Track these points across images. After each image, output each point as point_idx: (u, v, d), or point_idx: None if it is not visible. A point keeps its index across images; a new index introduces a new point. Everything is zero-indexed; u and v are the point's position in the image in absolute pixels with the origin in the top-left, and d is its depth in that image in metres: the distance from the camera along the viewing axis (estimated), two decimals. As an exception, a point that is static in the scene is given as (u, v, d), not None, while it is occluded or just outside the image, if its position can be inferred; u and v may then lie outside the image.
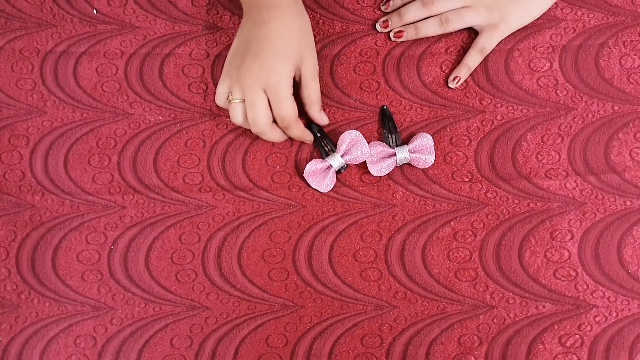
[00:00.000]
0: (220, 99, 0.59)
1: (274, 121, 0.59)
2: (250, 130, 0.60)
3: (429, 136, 0.60)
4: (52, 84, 0.63)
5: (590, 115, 0.63)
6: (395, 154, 0.60)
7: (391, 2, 0.65)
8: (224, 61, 0.60)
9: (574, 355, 0.59)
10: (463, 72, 0.63)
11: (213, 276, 0.60)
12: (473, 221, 0.61)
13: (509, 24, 0.63)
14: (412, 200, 0.61)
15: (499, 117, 0.63)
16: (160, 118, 0.63)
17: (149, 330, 0.59)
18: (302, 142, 0.62)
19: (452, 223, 0.61)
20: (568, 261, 0.60)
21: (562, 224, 0.61)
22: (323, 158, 0.61)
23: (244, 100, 0.58)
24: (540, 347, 0.59)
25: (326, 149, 0.61)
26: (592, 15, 0.64)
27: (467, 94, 0.63)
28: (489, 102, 0.63)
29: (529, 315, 0.59)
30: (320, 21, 0.65)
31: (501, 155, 0.62)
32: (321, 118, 0.61)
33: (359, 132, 0.60)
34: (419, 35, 0.64)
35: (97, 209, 0.61)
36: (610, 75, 0.63)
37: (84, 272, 0.60)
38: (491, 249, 0.60)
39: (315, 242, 0.61)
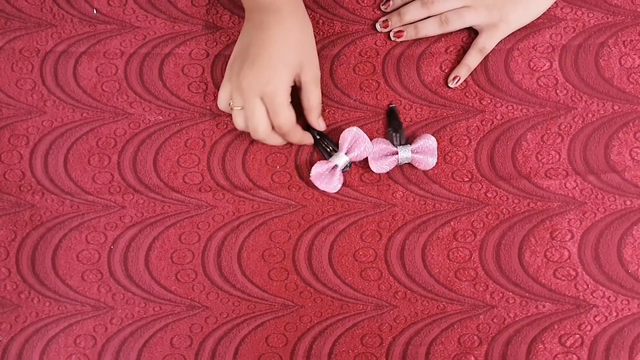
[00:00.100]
0: (222, 104, 0.59)
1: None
2: (250, 130, 0.60)
3: (433, 138, 0.60)
4: (52, 84, 0.63)
5: (590, 115, 0.63)
6: (397, 153, 0.60)
7: (391, 2, 0.65)
8: (224, 61, 0.60)
9: (574, 355, 0.59)
10: (463, 71, 0.63)
11: (213, 276, 0.60)
12: (473, 221, 0.61)
13: (509, 24, 0.63)
14: (412, 200, 0.61)
15: (498, 117, 0.63)
16: (160, 118, 0.63)
17: (149, 329, 0.59)
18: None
19: (452, 223, 0.61)
20: (568, 261, 0.60)
21: (562, 224, 0.60)
22: (326, 159, 0.61)
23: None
24: (540, 346, 0.59)
25: (328, 149, 0.61)
26: (592, 15, 0.64)
27: (467, 94, 0.63)
28: (489, 101, 0.63)
29: (529, 314, 0.59)
30: (320, 21, 0.65)
31: (501, 154, 0.62)
32: (319, 124, 0.61)
33: (359, 129, 0.60)
34: (419, 35, 0.64)
35: (97, 209, 0.61)
36: (610, 75, 0.63)
37: (84, 272, 0.60)
38: (491, 248, 0.60)
39: (315, 241, 0.61)
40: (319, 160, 0.61)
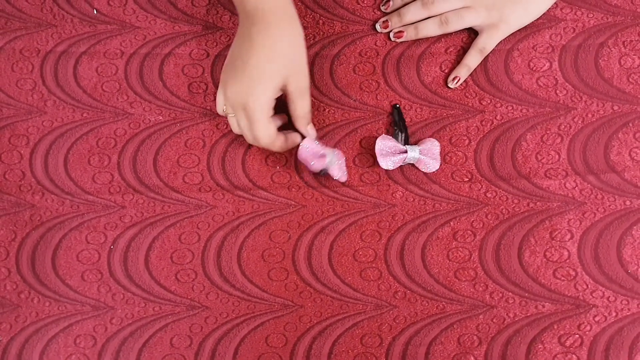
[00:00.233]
0: (218, 109, 0.60)
1: None
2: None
3: (437, 143, 0.60)
4: (52, 84, 0.63)
5: (589, 115, 0.63)
6: (406, 152, 0.60)
7: (391, 3, 0.65)
8: (224, 61, 0.60)
9: (573, 355, 0.59)
10: (463, 72, 0.63)
11: (213, 276, 0.60)
12: (473, 221, 0.61)
13: (509, 24, 0.63)
14: (412, 200, 0.61)
15: (498, 117, 0.63)
16: (160, 118, 0.63)
17: (148, 329, 0.59)
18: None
19: (451, 223, 0.61)
20: (568, 261, 0.60)
21: (561, 224, 0.61)
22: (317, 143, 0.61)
23: None
24: (539, 346, 0.59)
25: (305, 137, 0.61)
26: (591, 15, 0.64)
27: (467, 94, 0.63)
28: (489, 102, 0.63)
29: (528, 315, 0.59)
30: (320, 21, 0.65)
31: (501, 155, 0.62)
32: (307, 132, 0.60)
33: (343, 161, 0.60)
34: (419, 36, 0.64)
35: (97, 209, 0.61)
36: (610, 75, 0.63)
37: (84, 272, 0.60)
38: (491, 248, 0.60)
39: (315, 241, 0.61)
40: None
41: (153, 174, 0.62)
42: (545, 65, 0.64)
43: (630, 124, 0.62)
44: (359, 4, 0.65)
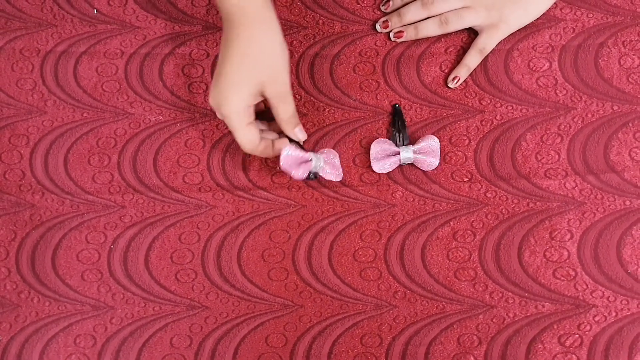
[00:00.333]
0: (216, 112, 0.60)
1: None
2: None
3: (435, 139, 0.60)
4: (53, 84, 0.63)
5: (589, 115, 0.63)
6: (399, 153, 0.60)
7: (391, 3, 0.65)
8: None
9: (573, 355, 0.59)
10: (463, 72, 0.63)
11: (213, 276, 0.60)
12: (472, 221, 0.61)
13: (509, 24, 0.63)
14: (412, 200, 0.61)
15: (498, 117, 0.63)
16: (160, 118, 0.63)
17: (148, 329, 0.59)
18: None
19: (451, 223, 0.61)
20: (567, 261, 0.60)
21: (561, 224, 0.61)
22: (300, 148, 0.60)
23: None
24: (539, 346, 0.59)
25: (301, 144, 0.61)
26: (591, 15, 0.65)
27: (467, 94, 0.63)
28: (489, 102, 0.63)
29: (528, 314, 0.59)
30: (320, 21, 0.65)
31: (501, 155, 0.62)
32: (296, 135, 0.59)
33: (337, 154, 0.60)
34: (419, 36, 0.64)
35: (97, 209, 0.61)
36: (610, 75, 0.63)
37: (84, 272, 0.60)
38: (490, 248, 0.61)
39: (314, 241, 0.61)
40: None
41: (153, 174, 0.62)
42: (545, 65, 0.64)
43: (630, 124, 0.62)
44: (358, 4, 0.65)
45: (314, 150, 0.62)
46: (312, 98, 0.63)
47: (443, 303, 0.60)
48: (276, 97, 0.56)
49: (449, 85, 0.63)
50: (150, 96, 0.63)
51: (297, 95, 0.63)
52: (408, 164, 0.61)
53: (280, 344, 0.59)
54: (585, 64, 0.64)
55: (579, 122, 0.63)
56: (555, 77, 0.63)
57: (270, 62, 0.55)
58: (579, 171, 0.61)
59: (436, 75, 0.64)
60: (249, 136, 0.56)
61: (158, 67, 0.64)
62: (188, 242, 0.61)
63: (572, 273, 0.60)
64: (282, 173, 0.62)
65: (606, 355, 0.58)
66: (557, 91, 0.63)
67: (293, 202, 0.61)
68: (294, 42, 0.64)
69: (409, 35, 0.64)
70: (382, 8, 0.65)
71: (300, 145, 0.60)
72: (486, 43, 0.63)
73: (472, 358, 0.59)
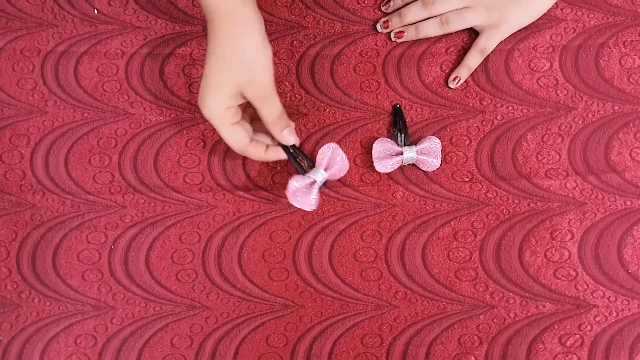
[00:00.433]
0: None
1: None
2: (250, 130, 0.60)
3: (437, 140, 0.60)
4: (53, 84, 0.63)
5: (590, 115, 0.63)
6: (402, 153, 0.60)
7: (391, 3, 0.65)
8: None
9: (574, 355, 0.59)
10: (463, 72, 0.63)
11: (213, 276, 0.60)
12: (473, 221, 0.61)
13: (509, 25, 0.63)
14: (413, 200, 0.61)
15: (499, 117, 0.63)
16: (161, 118, 0.63)
17: (149, 329, 0.59)
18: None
19: (452, 223, 0.61)
20: (568, 261, 0.60)
21: (562, 224, 0.61)
22: (301, 175, 0.57)
23: None
24: (540, 346, 0.59)
25: (302, 165, 0.58)
26: (592, 16, 0.65)
27: (468, 94, 0.63)
28: (489, 102, 0.63)
29: (529, 315, 0.59)
30: (321, 21, 0.65)
31: (501, 155, 0.62)
32: (284, 139, 0.57)
33: (338, 146, 0.58)
34: (420, 36, 0.64)
35: (97, 209, 0.61)
36: (611, 75, 0.63)
37: (85, 272, 0.60)
38: (491, 248, 0.61)
39: (315, 241, 0.61)
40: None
41: (154, 174, 0.62)
42: (545, 65, 0.64)
43: (631, 124, 0.62)
44: (359, 4, 0.65)
45: (313, 151, 0.62)
46: (312, 98, 0.63)
47: (444, 303, 0.60)
48: (257, 99, 0.54)
49: (450, 85, 0.63)
50: (150, 96, 0.63)
51: (297, 95, 0.63)
52: (409, 164, 0.61)
53: (281, 344, 0.59)
54: (586, 64, 0.64)
55: (580, 122, 0.63)
56: (556, 77, 0.63)
57: (247, 64, 0.53)
58: (580, 171, 0.61)
59: (437, 75, 0.64)
60: (235, 137, 0.56)
61: (159, 67, 0.64)
62: (189, 242, 0.61)
63: (573, 273, 0.60)
64: (283, 173, 0.62)
65: (607, 356, 0.58)
66: (558, 91, 0.63)
67: (294, 202, 0.62)
68: (295, 42, 0.64)
69: (410, 35, 0.64)
70: (383, 8, 0.65)
71: (297, 161, 0.58)
72: (487, 43, 0.63)
73: (472, 358, 0.59)
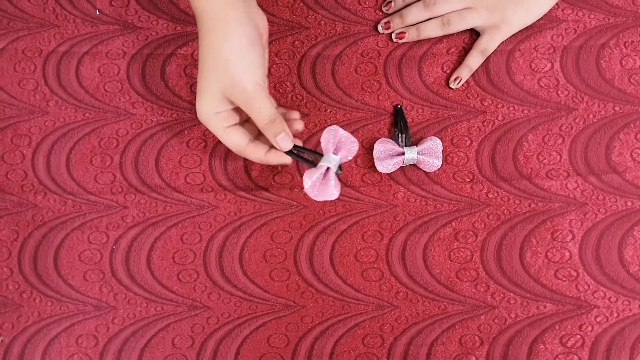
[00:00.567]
0: None
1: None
2: (251, 130, 0.60)
3: (438, 141, 0.60)
4: (55, 84, 0.63)
5: (591, 116, 0.63)
6: (403, 153, 0.60)
7: (393, 4, 0.65)
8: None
9: (575, 356, 0.59)
10: (464, 72, 0.63)
11: (214, 276, 0.60)
12: (474, 221, 0.61)
13: (510, 25, 0.63)
14: (414, 200, 0.61)
15: (500, 118, 0.63)
16: (162, 118, 0.63)
17: (150, 329, 0.60)
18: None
19: (453, 223, 0.61)
20: (569, 261, 0.60)
21: (563, 225, 0.61)
22: (312, 168, 0.55)
23: None
24: (541, 347, 0.59)
25: (310, 159, 0.56)
26: (593, 16, 0.65)
27: (469, 95, 0.63)
28: (490, 102, 0.63)
29: (530, 315, 0.59)
30: (322, 22, 0.65)
31: (502, 155, 0.62)
32: (278, 144, 0.54)
33: (337, 126, 0.54)
34: (421, 37, 0.64)
35: (99, 209, 0.61)
36: (611, 76, 0.63)
37: (86, 272, 0.60)
38: (492, 249, 0.61)
39: (316, 242, 0.61)
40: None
41: (155, 174, 0.62)
42: (546, 66, 0.64)
43: (632, 125, 0.62)
44: (360, 4, 0.66)
45: (316, 150, 0.62)
46: (313, 98, 0.63)
47: (445, 303, 0.60)
48: (242, 104, 0.53)
49: (451, 86, 0.63)
50: (152, 96, 0.63)
51: (298, 96, 0.63)
52: (410, 164, 0.61)
53: (282, 345, 0.60)
54: (586, 65, 0.64)
55: (581, 123, 0.63)
56: (557, 77, 0.64)
57: (228, 70, 0.52)
58: (581, 172, 0.62)
59: (438, 76, 0.64)
60: (230, 139, 0.55)
61: (160, 68, 0.64)
62: (190, 243, 0.61)
63: (574, 274, 0.60)
64: (284, 173, 0.62)
65: (608, 356, 0.58)
66: (559, 92, 0.63)
67: (295, 203, 0.62)
68: (296, 42, 0.64)
69: (411, 36, 0.64)
70: (384, 9, 0.65)
71: (304, 158, 0.56)
72: (488, 44, 0.63)
73: (473, 358, 0.59)
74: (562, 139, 0.62)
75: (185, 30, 0.65)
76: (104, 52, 0.64)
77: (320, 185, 0.54)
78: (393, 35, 0.64)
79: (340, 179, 0.57)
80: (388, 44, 0.65)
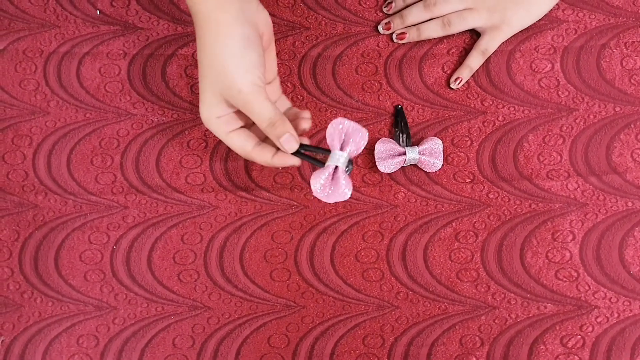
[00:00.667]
0: None
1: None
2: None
3: (439, 141, 0.60)
4: (56, 85, 0.63)
5: (591, 117, 0.63)
6: (405, 153, 0.60)
7: (393, 4, 0.65)
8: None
9: (575, 356, 0.59)
10: (465, 73, 0.63)
11: (215, 276, 0.60)
12: (475, 222, 0.61)
13: (511, 26, 0.63)
14: (414, 200, 0.61)
15: (500, 118, 0.63)
16: (163, 119, 0.63)
17: (151, 330, 0.60)
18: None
19: (453, 224, 0.61)
20: (569, 262, 0.60)
21: (563, 225, 0.61)
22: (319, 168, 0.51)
23: None
24: (541, 347, 0.59)
25: (319, 158, 0.52)
26: (593, 17, 0.65)
27: (469, 95, 0.63)
28: (491, 103, 0.63)
29: (530, 315, 0.59)
30: (323, 22, 0.65)
31: (503, 156, 0.62)
32: (283, 146, 0.51)
33: (342, 118, 0.50)
34: (422, 37, 0.64)
35: (99, 209, 0.61)
36: (612, 77, 0.63)
37: (87, 272, 0.60)
38: (493, 249, 0.61)
39: (317, 242, 0.61)
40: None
41: (155, 175, 0.62)
42: (547, 66, 0.64)
43: (632, 125, 0.62)
44: (361, 5, 0.66)
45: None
46: (314, 99, 0.63)
47: (445, 304, 0.60)
48: (241, 106, 0.51)
49: (451, 86, 0.63)
50: (152, 97, 0.63)
51: (299, 96, 0.63)
52: (411, 164, 0.61)
53: (282, 345, 0.60)
54: (587, 66, 0.64)
55: (581, 123, 0.63)
56: (558, 78, 0.64)
57: (222, 72, 0.50)
58: (581, 172, 0.62)
59: (438, 76, 0.64)
60: (234, 144, 0.52)
61: (161, 68, 0.64)
62: (190, 243, 0.61)
63: (574, 274, 0.60)
64: (285, 173, 0.62)
65: (608, 357, 0.58)
66: (559, 92, 0.63)
67: (295, 203, 0.62)
68: (297, 42, 0.64)
69: (412, 36, 0.64)
70: (385, 10, 0.65)
71: (311, 157, 0.52)
72: (488, 44, 0.63)
73: (474, 359, 0.59)
74: (562, 139, 0.62)
75: (186, 31, 0.65)
76: (104, 52, 0.64)
77: (331, 187, 0.50)
78: (394, 36, 0.64)
79: (351, 176, 0.53)
80: (389, 45, 0.65)
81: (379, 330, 0.59)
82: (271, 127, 0.51)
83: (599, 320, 0.59)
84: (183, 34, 0.65)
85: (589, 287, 0.60)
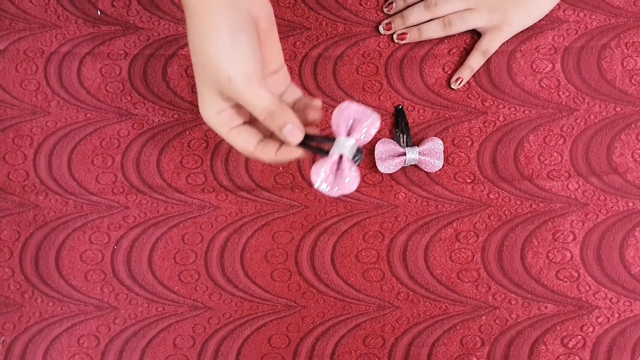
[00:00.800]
0: None
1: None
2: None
3: (439, 141, 0.60)
4: (56, 85, 0.63)
5: (592, 117, 0.63)
6: (405, 154, 0.60)
7: (394, 5, 0.65)
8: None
9: (576, 356, 0.59)
10: (466, 73, 0.63)
11: (216, 276, 0.60)
12: (475, 222, 0.61)
13: (512, 26, 0.63)
14: (415, 201, 0.61)
15: (501, 119, 0.63)
16: (164, 119, 0.63)
17: (152, 330, 0.60)
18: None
19: (454, 224, 0.61)
20: (570, 262, 0.60)
21: (564, 225, 0.61)
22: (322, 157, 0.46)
23: None
24: (542, 348, 0.59)
25: (325, 148, 0.46)
26: (594, 17, 0.65)
27: (470, 95, 0.63)
28: (491, 103, 0.63)
29: (531, 316, 0.59)
30: (324, 23, 0.65)
31: (503, 156, 0.62)
32: (286, 138, 0.46)
33: (349, 102, 0.45)
34: (422, 38, 0.64)
35: (100, 209, 0.61)
36: (613, 77, 0.63)
37: (88, 272, 0.60)
38: (493, 249, 0.61)
39: (317, 242, 0.61)
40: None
41: (156, 175, 0.62)
42: (547, 66, 0.64)
43: (633, 126, 0.62)
44: (362, 5, 0.66)
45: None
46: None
47: (446, 304, 0.60)
48: (235, 97, 0.47)
49: (452, 86, 0.63)
50: (153, 97, 0.64)
51: (300, 97, 0.63)
52: (411, 165, 0.61)
53: (283, 345, 0.60)
54: (588, 66, 0.64)
55: (582, 123, 0.63)
56: (558, 78, 0.64)
57: (212, 62, 0.46)
58: (582, 172, 0.62)
59: (439, 76, 0.64)
60: (237, 142, 0.49)
61: (161, 68, 0.64)
62: (191, 243, 0.61)
63: (575, 274, 0.60)
64: (286, 174, 0.62)
65: (609, 357, 0.58)
66: (560, 93, 0.63)
67: (296, 203, 0.62)
68: (297, 43, 0.64)
69: (412, 37, 0.64)
70: (385, 10, 0.65)
71: (318, 148, 0.47)
72: (489, 45, 0.63)
73: (474, 359, 0.59)
74: (563, 139, 0.62)
75: (186, 31, 0.65)
76: (105, 52, 0.64)
77: (336, 178, 0.45)
78: (394, 36, 0.64)
79: (360, 167, 0.50)
80: (389, 45, 0.65)
81: (380, 331, 0.59)
82: (270, 118, 0.46)
83: (599, 320, 0.59)
84: (184, 34, 0.65)
85: (590, 287, 0.60)
